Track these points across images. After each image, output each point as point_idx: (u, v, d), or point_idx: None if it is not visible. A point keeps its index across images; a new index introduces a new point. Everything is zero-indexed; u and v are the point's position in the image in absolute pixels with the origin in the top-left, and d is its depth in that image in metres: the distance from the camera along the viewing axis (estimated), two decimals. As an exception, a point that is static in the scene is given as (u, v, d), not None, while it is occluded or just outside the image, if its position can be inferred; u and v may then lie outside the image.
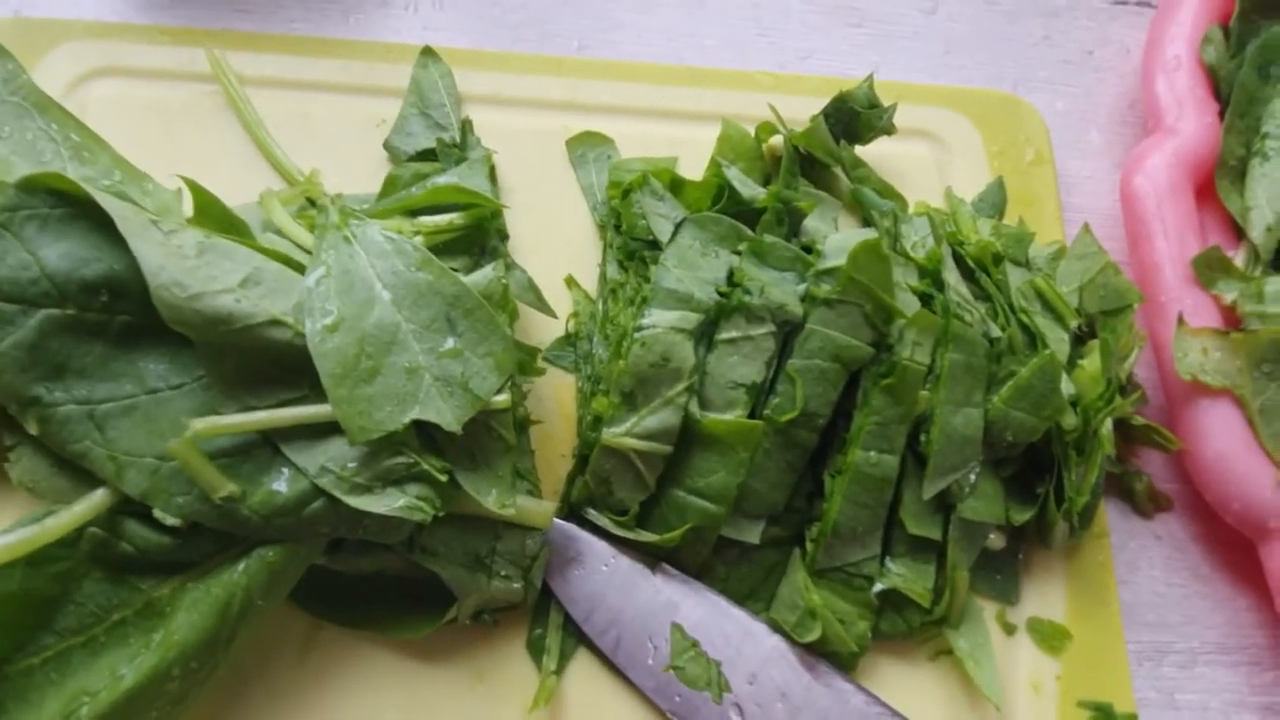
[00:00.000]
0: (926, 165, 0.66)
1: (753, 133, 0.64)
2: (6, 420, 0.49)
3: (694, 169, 0.63)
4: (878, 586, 0.51)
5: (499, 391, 0.46)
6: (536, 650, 0.51)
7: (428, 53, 0.64)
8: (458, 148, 0.60)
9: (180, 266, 0.44)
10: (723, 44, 0.73)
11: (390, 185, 0.58)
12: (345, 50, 0.66)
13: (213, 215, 0.52)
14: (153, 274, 0.43)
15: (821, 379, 0.50)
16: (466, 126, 0.63)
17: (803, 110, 0.65)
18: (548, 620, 0.52)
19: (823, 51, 0.73)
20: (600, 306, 0.57)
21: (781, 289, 0.51)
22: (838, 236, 0.54)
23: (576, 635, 0.52)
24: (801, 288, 0.52)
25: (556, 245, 0.61)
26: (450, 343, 0.47)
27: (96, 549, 0.47)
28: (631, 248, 0.56)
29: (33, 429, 0.46)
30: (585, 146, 0.64)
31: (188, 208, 0.54)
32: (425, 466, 0.46)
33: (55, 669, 0.46)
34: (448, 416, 0.45)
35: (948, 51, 0.74)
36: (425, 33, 0.69)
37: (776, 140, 0.63)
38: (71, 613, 0.47)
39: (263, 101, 0.63)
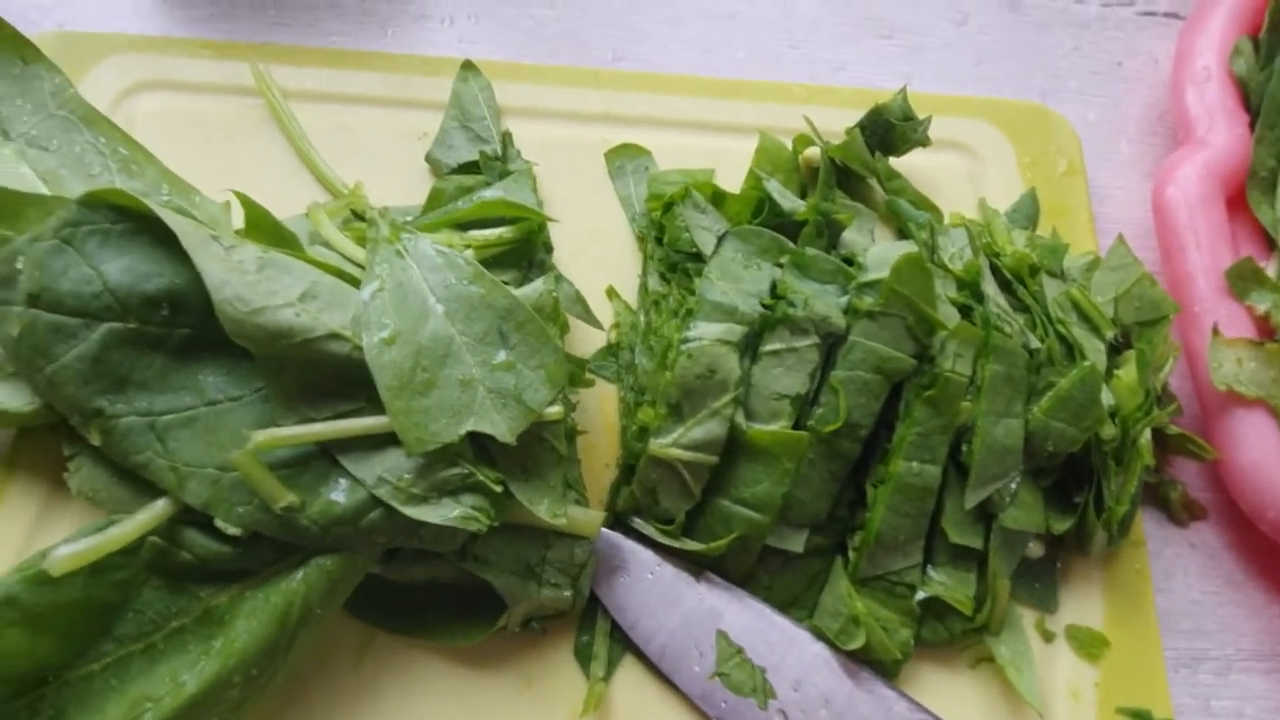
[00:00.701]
0: (959, 176, 0.67)
1: (788, 144, 0.64)
2: (65, 431, 0.50)
3: (728, 180, 0.64)
4: (920, 594, 0.52)
5: (551, 403, 0.47)
6: (584, 657, 0.52)
7: (468, 66, 0.65)
8: (499, 160, 0.61)
9: (242, 281, 0.45)
10: (754, 56, 0.73)
11: (435, 198, 0.59)
12: (384, 64, 0.67)
13: (263, 228, 0.53)
14: (216, 289, 0.44)
15: (864, 390, 0.51)
16: (506, 139, 0.64)
17: (835, 121, 0.66)
18: (595, 628, 0.53)
19: (854, 63, 0.74)
20: (642, 318, 0.58)
21: (824, 301, 0.52)
22: (878, 249, 0.55)
23: (623, 642, 0.53)
24: (843, 300, 0.53)
25: (595, 256, 0.62)
26: (503, 355, 0.47)
27: (156, 558, 0.48)
28: (673, 260, 0.57)
29: (95, 440, 0.47)
30: (623, 158, 0.64)
31: (235, 220, 0.56)
32: (480, 477, 0.46)
33: (115, 675, 0.47)
34: (502, 428, 0.46)
35: (978, 63, 0.74)
36: (461, 45, 0.70)
37: (812, 152, 0.64)
38: (131, 620, 0.48)
39: (303, 114, 0.64)
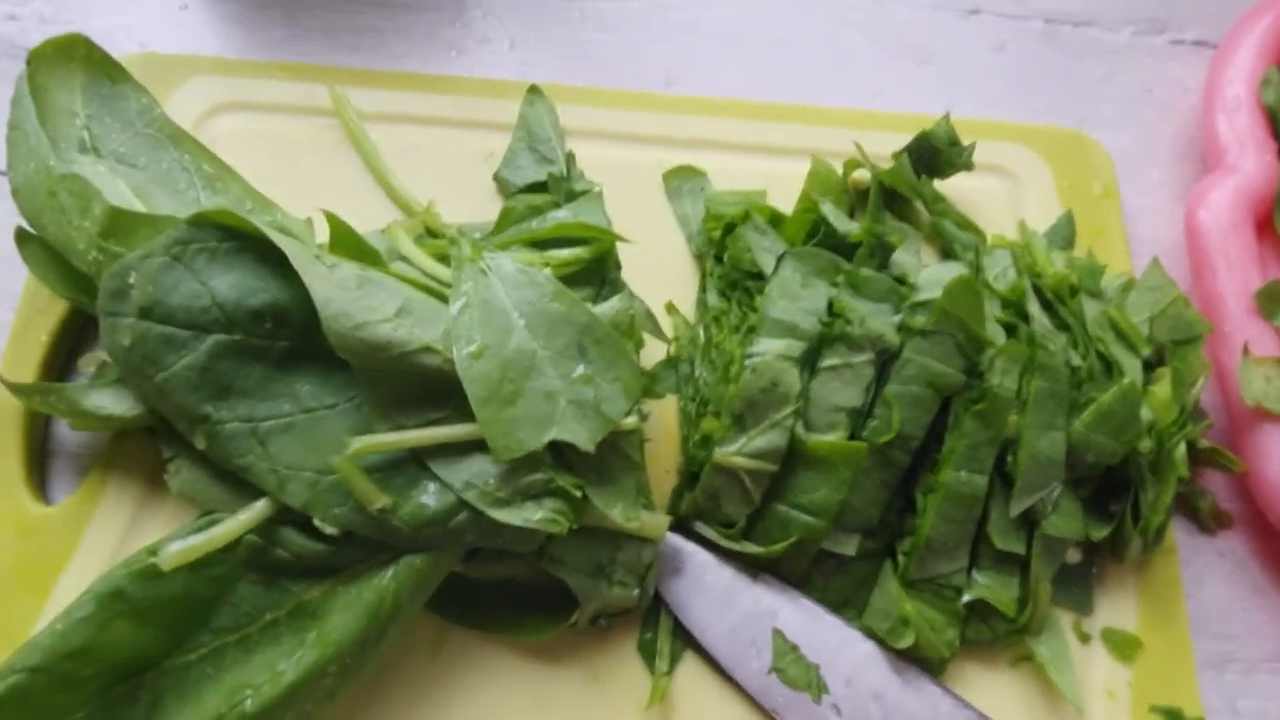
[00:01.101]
0: (999, 199, 0.70)
1: (836, 168, 0.67)
2: (163, 435, 0.54)
3: (777, 200, 0.67)
4: (965, 597, 0.55)
5: (628, 414, 0.51)
6: (648, 652, 0.56)
7: (534, 90, 0.68)
8: (566, 180, 0.64)
9: (344, 298, 0.48)
10: (798, 80, 0.77)
11: (506, 216, 0.62)
12: (452, 86, 0.70)
13: (348, 245, 0.56)
14: (323, 305, 0.47)
15: (916, 404, 0.54)
16: (570, 160, 0.67)
17: (879, 145, 0.69)
18: (658, 625, 0.56)
19: (894, 88, 0.77)
20: (701, 332, 0.61)
21: (879, 320, 0.55)
22: (930, 271, 0.58)
23: (684, 639, 0.56)
24: (896, 318, 0.56)
25: (653, 272, 0.65)
26: (582, 369, 0.51)
27: (253, 555, 0.51)
28: (733, 278, 0.60)
29: (200, 444, 0.51)
30: (681, 179, 0.68)
31: (318, 236, 0.59)
32: (560, 483, 0.50)
33: (211, 664, 0.50)
34: (582, 437, 0.49)
35: (1014, 89, 0.78)
36: (524, 68, 0.74)
37: (860, 174, 0.67)
38: (227, 613, 0.51)
39: (374, 134, 0.68)
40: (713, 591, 0.56)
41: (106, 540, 0.56)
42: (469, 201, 0.66)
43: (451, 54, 0.74)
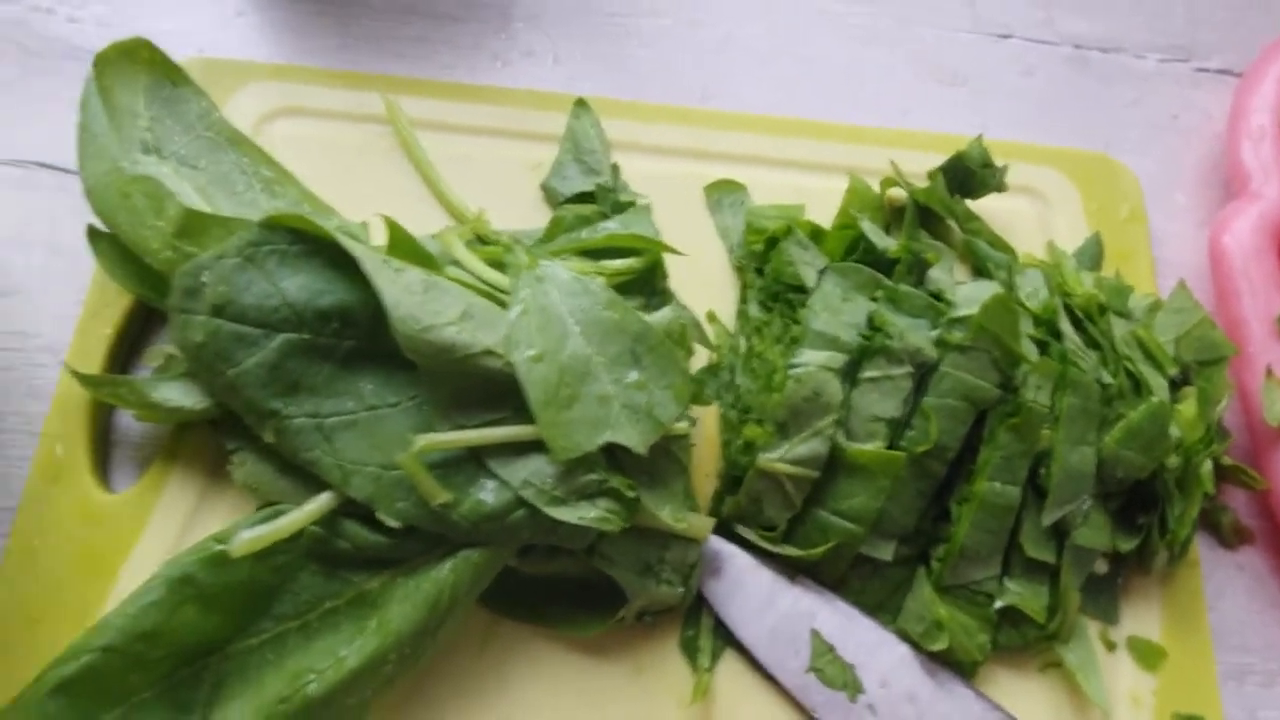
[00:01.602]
0: (1029, 219, 0.72)
1: (872, 184, 0.69)
2: (226, 428, 0.56)
3: (813, 214, 0.69)
4: (998, 603, 0.57)
5: (678, 419, 0.53)
6: (690, 649, 0.57)
7: (580, 103, 0.70)
8: (612, 192, 0.66)
9: (412, 301, 0.50)
10: (831, 97, 0.79)
11: (556, 226, 0.64)
12: (499, 97, 0.72)
13: (405, 249, 0.58)
14: (392, 308, 0.49)
15: (953, 416, 0.56)
16: (615, 171, 0.69)
17: (909, 163, 0.71)
18: (699, 622, 0.58)
19: (922, 108, 0.79)
20: (742, 342, 0.63)
21: (917, 334, 0.57)
22: (967, 288, 0.60)
23: (724, 637, 0.58)
24: (934, 333, 0.58)
25: (694, 282, 0.67)
26: (635, 375, 0.53)
27: (315, 545, 0.53)
28: (775, 290, 0.62)
29: (268, 437, 0.53)
30: (722, 193, 0.70)
31: (374, 239, 0.61)
32: (614, 483, 0.52)
33: (272, 650, 0.52)
34: (635, 440, 0.51)
35: (1042, 112, 0.80)
36: (570, 82, 0.76)
37: (894, 192, 0.69)
38: (288, 600, 0.53)
39: (424, 142, 0.70)
40: (752, 592, 0.58)
41: (169, 528, 0.57)
42: (516, 210, 0.68)
43: (496, 64, 0.77)
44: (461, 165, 0.70)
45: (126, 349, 0.62)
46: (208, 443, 0.60)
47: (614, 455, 0.53)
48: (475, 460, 0.52)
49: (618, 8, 0.80)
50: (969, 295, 0.59)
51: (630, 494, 0.52)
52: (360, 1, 0.79)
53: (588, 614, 0.57)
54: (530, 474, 0.51)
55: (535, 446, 0.52)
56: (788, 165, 0.73)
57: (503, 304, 0.55)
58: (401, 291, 0.50)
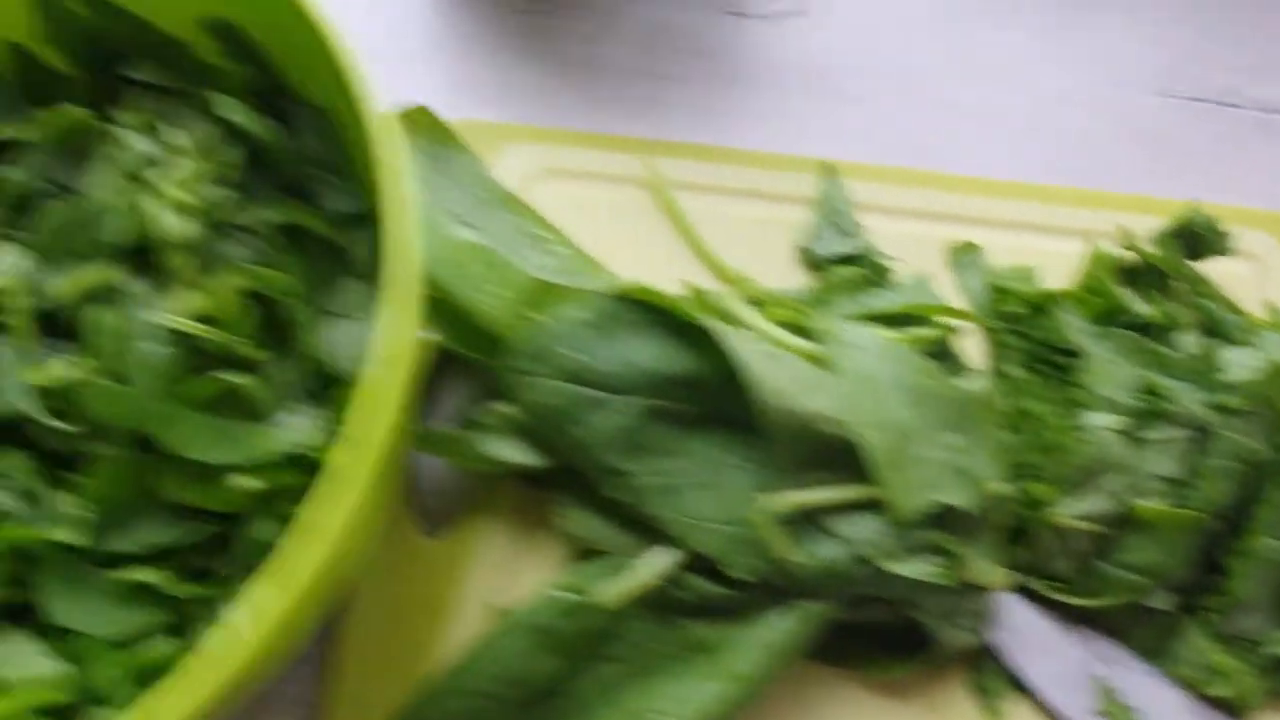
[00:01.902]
0: (1246, 282, 0.76)
1: (1099, 246, 0.74)
2: (551, 481, 0.60)
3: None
4: (1273, 650, 0.61)
5: (997, 480, 0.57)
6: (979, 690, 0.61)
7: (828, 167, 0.75)
8: (872, 257, 0.71)
9: (766, 372, 0.54)
10: (1034, 161, 0.83)
11: (827, 290, 0.68)
12: (747, 160, 0.76)
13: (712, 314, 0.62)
14: (758, 384, 0.53)
15: (1229, 477, 0.61)
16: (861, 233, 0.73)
17: (1110, 224, 0.75)
18: (986, 666, 0.62)
19: (1116, 171, 0.83)
20: (997, 400, 0.67)
21: (1190, 397, 0.62)
22: (1237, 355, 0.64)
23: (1010, 680, 0.62)
24: (1203, 396, 0.62)
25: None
26: (955, 438, 0.57)
27: (650, 594, 0.57)
28: (1040, 353, 0.66)
29: (612, 494, 0.57)
30: (964, 254, 0.74)
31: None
32: (942, 541, 0.56)
33: (610, 691, 0.56)
34: (965, 500, 0.56)
35: (1243, 178, 0.84)
36: (801, 143, 0.80)
37: (1121, 254, 0.74)
38: (616, 645, 0.57)
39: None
40: (1035, 638, 0.62)
41: (487, 573, 0.61)
42: (772, 270, 0.72)
43: (730, 129, 0.81)
44: (713, 226, 0.74)
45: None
46: (514, 491, 0.63)
47: (937, 515, 0.57)
48: (809, 518, 0.56)
49: (834, 67, 0.84)
50: (1234, 361, 0.63)
51: (957, 550, 0.56)
52: (581, 63, 0.84)
53: (888, 656, 0.61)
54: (868, 531, 0.55)
55: (868, 505, 0.56)
56: (1008, 227, 0.77)
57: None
58: (766, 365, 0.54)
